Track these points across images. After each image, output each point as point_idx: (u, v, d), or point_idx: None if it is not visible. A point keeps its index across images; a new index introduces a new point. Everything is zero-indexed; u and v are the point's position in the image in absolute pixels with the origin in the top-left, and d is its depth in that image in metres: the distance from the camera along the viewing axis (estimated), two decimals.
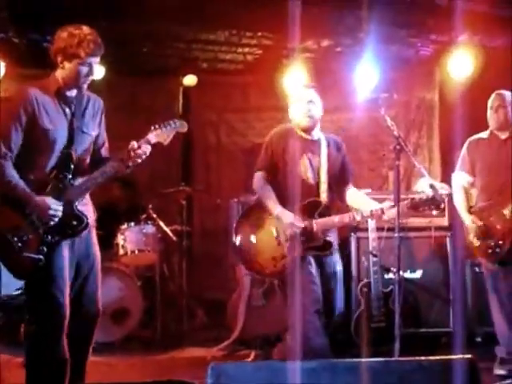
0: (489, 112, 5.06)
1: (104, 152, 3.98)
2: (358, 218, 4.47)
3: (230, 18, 6.53)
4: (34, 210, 3.57)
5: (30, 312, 3.68)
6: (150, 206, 6.62)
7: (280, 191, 4.54)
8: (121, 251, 6.31)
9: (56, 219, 3.60)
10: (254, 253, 4.57)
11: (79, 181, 3.71)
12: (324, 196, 4.54)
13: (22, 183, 3.58)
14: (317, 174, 4.58)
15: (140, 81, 7.72)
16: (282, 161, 4.58)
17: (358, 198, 4.70)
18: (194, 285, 7.11)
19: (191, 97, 8.06)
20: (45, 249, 3.56)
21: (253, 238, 4.59)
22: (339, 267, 4.65)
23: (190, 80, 7.71)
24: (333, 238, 4.62)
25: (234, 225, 4.69)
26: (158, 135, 3.81)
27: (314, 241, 4.45)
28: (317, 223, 4.45)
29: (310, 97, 4.64)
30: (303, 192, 4.47)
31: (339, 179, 4.70)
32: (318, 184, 4.57)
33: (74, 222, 3.67)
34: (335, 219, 4.48)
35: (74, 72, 3.65)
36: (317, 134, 4.70)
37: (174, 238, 6.77)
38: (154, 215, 6.58)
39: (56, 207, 3.60)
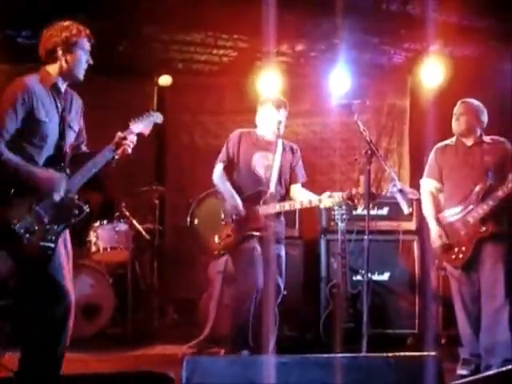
0: (453, 119, 5.16)
1: (84, 148, 4.06)
2: (298, 205, 4.94)
3: (206, 19, 6.58)
4: (40, 182, 3.62)
5: (33, 304, 3.70)
6: (123, 204, 6.66)
7: (234, 182, 5.00)
8: (93, 248, 6.35)
9: (61, 192, 3.68)
10: (206, 231, 5.02)
11: (75, 172, 3.78)
12: (272, 188, 4.95)
13: (21, 160, 3.61)
14: (268, 169, 5.00)
15: (115, 80, 7.71)
16: (237, 156, 5.04)
17: (301, 192, 5.11)
18: (165, 283, 7.17)
19: (166, 97, 8.06)
20: (53, 237, 3.63)
21: (203, 219, 5.07)
22: (283, 253, 5.01)
23: (165, 80, 7.72)
24: (280, 228, 5.03)
25: (191, 208, 5.14)
26: (140, 126, 4.00)
27: (256, 223, 4.87)
28: (260, 208, 4.88)
29: (281, 118, 5.03)
30: (254, 184, 4.97)
31: (290, 178, 5.12)
32: (268, 177, 4.98)
33: (76, 211, 3.75)
34: (276, 206, 4.89)
35: (77, 61, 3.76)
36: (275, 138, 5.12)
37: (147, 237, 6.83)
38: (127, 213, 6.63)
39: (61, 177, 3.69)
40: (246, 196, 4.92)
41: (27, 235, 3.57)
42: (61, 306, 3.67)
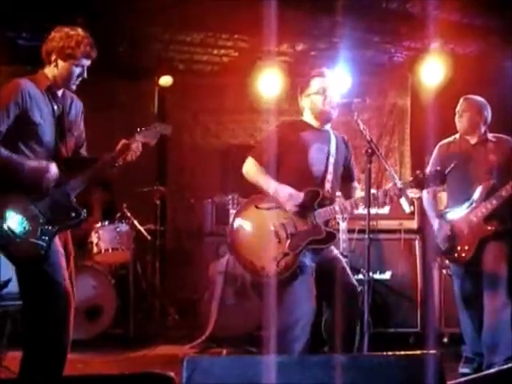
0: (456, 117, 5.13)
1: (83, 152, 4.07)
2: (361, 204, 4.17)
3: (207, 19, 6.58)
4: (31, 172, 3.62)
5: (32, 304, 3.71)
6: (125, 204, 6.67)
7: (284, 181, 4.23)
8: (95, 249, 6.35)
9: (52, 181, 3.67)
10: (255, 255, 4.16)
11: (74, 176, 3.79)
12: (328, 186, 4.27)
13: (9, 152, 3.62)
14: (324, 164, 4.31)
15: (116, 81, 7.74)
16: (291, 150, 4.28)
17: (358, 192, 4.49)
18: (166, 283, 7.19)
19: (167, 97, 8.10)
20: (46, 238, 3.63)
21: (251, 239, 4.21)
22: (336, 250, 4.38)
23: (165, 81, 7.76)
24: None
25: (229, 227, 4.33)
26: (146, 136, 3.95)
27: (316, 233, 4.14)
28: (317, 214, 4.16)
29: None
30: (307, 182, 4.24)
31: (344, 175, 4.47)
32: (324, 174, 4.29)
33: (73, 214, 3.76)
34: (336, 208, 4.18)
35: (67, 72, 3.76)
36: (328, 125, 4.48)
37: (148, 237, 6.83)
38: (129, 214, 6.63)
39: (54, 168, 3.68)
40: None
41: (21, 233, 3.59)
42: (60, 305, 3.67)
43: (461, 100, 5.14)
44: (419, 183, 4.10)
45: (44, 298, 3.66)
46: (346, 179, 4.49)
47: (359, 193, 4.43)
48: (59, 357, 3.74)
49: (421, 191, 4.69)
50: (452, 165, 4.61)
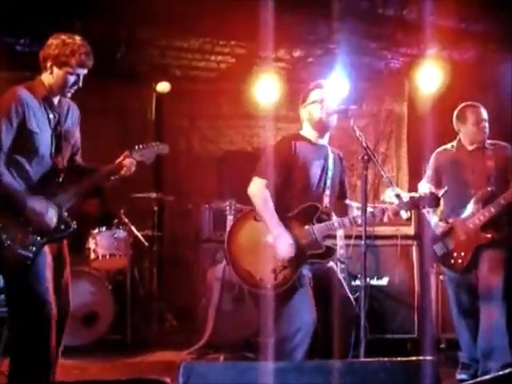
0: (470, 127, 4.99)
1: (78, 159, 4.06)
2: (359, 220, 4.12)
3: (204, 26, 6.59)
4: (30, 213, 3.62)
5: (15, 312, 3.70)
6: (122, 211, 6.67)
7: (283, 197, 4.24)
8: (92, 255, 6.35)
9: (51, 226, 3.68)
10: (253, 266, 4.16)
11: (67, 187, 3.79)
12: (326, 201, 4.29)
13: (16, 184, 3.62)
14: (323, 179, 4.31)
15: (113, 86, 7.72)
16: (292, 167, 4.25)
17: (352, 209, 4.48)
18: (164, 289, 7.18)
19: (164, 103, 8.10)
20: (34, 248, 3.61)
21: (249, 250, 4.20)
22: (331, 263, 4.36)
23: (163, 87, 7.77)
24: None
25: (226, 238, 4.29)
26: (143, 155, 3.96)
27: (315, 248, 4.17)
28: (315, 228, 4.18)
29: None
30: (307, 197, 4.23)
31: (339, 191, 4.46)
32: (323, 189, 4.30)
33: (62, 227, 3.74)
34: (335, 223, 4.23)
35: (61, 79, 3.74)
36: (326, 139, 4.45)
37: (146, 243, 6.83)
38: (126, 220, 6.63)
39: (53, 213, 3.68)
40: (295, 214, 4.20)
41: (8, 241, 3.57)
42: (40, 315, 3.62)
43: (479, 108, 5.01)
44: (414, 204, 4.17)
45: (25, 306, 3.64)
46: (339, 196, 4.47)
47: (356, 210, 4.38)
48: (42, 364, 3.69)
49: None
50: (445, 189, 4.58)
